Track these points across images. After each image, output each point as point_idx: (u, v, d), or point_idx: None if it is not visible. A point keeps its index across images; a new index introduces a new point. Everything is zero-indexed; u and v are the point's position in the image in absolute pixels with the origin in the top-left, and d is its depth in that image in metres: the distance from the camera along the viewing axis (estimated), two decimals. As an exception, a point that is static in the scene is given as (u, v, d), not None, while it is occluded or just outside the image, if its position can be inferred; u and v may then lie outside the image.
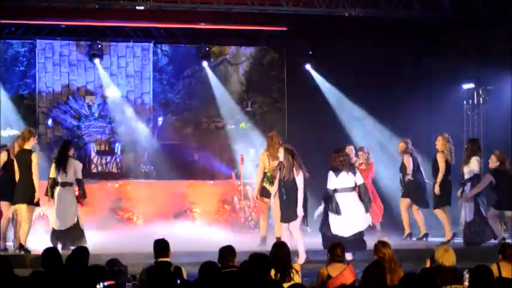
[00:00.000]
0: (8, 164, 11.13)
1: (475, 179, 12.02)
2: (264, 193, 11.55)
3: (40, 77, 15.79)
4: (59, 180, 11.28)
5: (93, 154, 15.40)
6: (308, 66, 16.26)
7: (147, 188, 13.93)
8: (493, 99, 14.53)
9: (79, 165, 11.55)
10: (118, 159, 15.55)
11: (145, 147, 15.97)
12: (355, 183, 10.47)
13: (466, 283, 6.50)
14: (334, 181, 10.45)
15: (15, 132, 15.39)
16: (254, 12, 13.17)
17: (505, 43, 13.33)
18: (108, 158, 15.47)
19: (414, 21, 13.65)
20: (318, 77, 16.10)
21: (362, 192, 10.51)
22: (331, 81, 15.88)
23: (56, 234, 11.24)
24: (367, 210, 10.46)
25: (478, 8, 12.91)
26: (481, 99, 14.79)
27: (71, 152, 11.57)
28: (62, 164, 11.31)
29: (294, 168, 10.51)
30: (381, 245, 7.04)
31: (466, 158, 12.09)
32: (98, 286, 5.89)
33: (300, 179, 10.50)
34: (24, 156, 10.97)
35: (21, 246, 10.80)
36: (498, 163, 11.93)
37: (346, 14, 12.91)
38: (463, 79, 14.85)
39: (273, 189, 11.12)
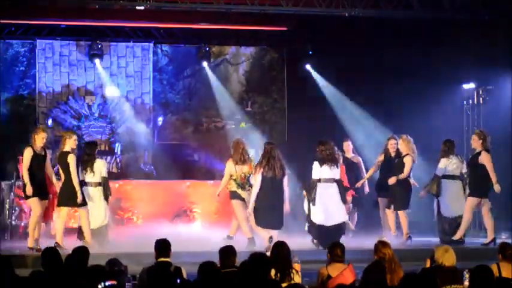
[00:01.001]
0: (35, 160, 11.01)
1: (434, 179, 12.22)
2: (234, 196, 11.68)
3: (40, 77, 15.79)
4: (90, 180, 11.45)
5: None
6: (308, 66, 16.26)
7: (147, 188, 13.92)
8: (493, 99, 14.53)
9: (105, 164, 11.81)
10: (118, 159, 15.54)
11: (145, 147, 15.96)
12: (335, 176, 11.29)
13: (466, 283, 6.51)
14: (318, 172, 11.15)
15: (14, 132, 15.44)
16: (254, 12, 13.16)
17: (505, 43, 13.32)
18: (108, 158, 15.46)
19: (414, 21, 13.65)
20: (318, 77, 16.10)
21: (339, 186, 11.32)
22: (331, 81, 15.88)
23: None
24: (343, 203, 11.40)
25: (478, 8, 12.90)
26: (481, 99, 14.80)
27: (96, 152, 11.77)
28: (89, 165, 11.45)
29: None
30: (381, 245, 7.05)
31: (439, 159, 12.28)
32: (99, 286, 5.90)
33: (254, 178, 10.99)
34: (63, 159, 11.06)
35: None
36: (481, 141, 11.79)
37: (346, 14, 12.90)
38: (463, 79, 14.85)
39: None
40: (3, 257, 6.32)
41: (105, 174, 11.63)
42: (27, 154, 10.95)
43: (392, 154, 12.54)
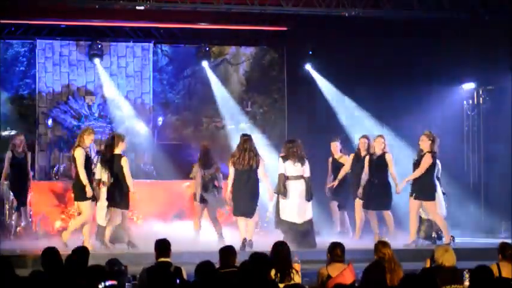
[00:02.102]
0: (87, 161, 11.16)
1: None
2: (196, 198, 12.23)
3: (40, 77, 15.77)
4: (105, 180, 11.47)
5: (93, 154, 15.36)
6: (308, 66, 16.26)
7: (147, 188, 13.90)
8: (493, 99, 14.54)
9: None
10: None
11: (145, 147, 15.94)
12: (303, 173, 11.54)
13: (466, 283, 6.51)
14: (282, 167, 11.58)
15: (14, 132, 15.43)
16: (254, 12, 13.16)
17: (505, 43, 13.32)
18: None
19: (414, 21, 13.65)
20: (318, 77, 16.09)
21: (307, 184, 11.53)
22: (331, 81, 15.87)
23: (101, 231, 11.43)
24: (308, 200, 11.64)
25: (478, 8, 12.90)
26: (481, 99, 14.80)
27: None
28: (109, 164, 11.47)
29: None
30: (381, 245, 7.06)
31: None
32: (99, 286, 5.90)
33: (229, 170, 11.52)
34: (115, 162, 11.19)
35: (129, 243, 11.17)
36: (430, 142, 11.69)
37: (346, 14, 12.89)
38: (463, 79, 14.85)
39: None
40: (3, 257, 6.32)
41: None
42: (81, 154, 11.01)
43: (363, 153, 12.52)
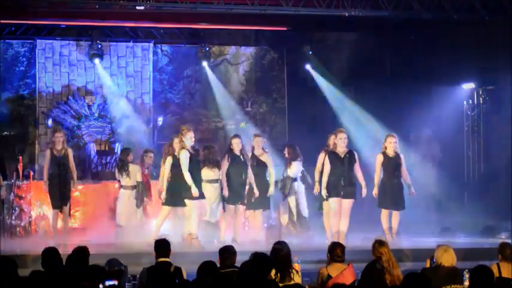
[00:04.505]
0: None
1: None
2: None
3: (40, 77, 15.77)
4: (124, 184, 12.44)
5: (93, 154, 15.38)
6: (308, 66, 16.26)
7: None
8: (493, 99, 14.54)
9: (140, 170, 12.61)
10: (118, 159, 15.52)
11: (145, 147, 15.91)
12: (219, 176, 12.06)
13: (466, 283, 6.51)
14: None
15: (14, 132, 15.45)
16: (254, 12, 13.16)
17: (505, 43, 13.33)
18: (108, 158, 15.45)
19: (414, 21, 13.65)
20: (318, 77, 16.10)
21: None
22: (331, 81, 15.88)
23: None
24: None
25: (478, 8, 12.91)
26: (481, 99, 14.80)
27: (130, 157, 12.70)
28: (124, 169, 12.49)
29: None
30: (378, 243, 7.07)
31: None
32: (100, 286, 5.90)
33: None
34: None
35: None
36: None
37: (346, 14, 12.90)
38: (463, 79, 14.86)
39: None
40: (8, 258, 6.32)
41: (139, 178, 12.46)
42: (186, 156, 11.40)
43: (341, 149, 12.40)
